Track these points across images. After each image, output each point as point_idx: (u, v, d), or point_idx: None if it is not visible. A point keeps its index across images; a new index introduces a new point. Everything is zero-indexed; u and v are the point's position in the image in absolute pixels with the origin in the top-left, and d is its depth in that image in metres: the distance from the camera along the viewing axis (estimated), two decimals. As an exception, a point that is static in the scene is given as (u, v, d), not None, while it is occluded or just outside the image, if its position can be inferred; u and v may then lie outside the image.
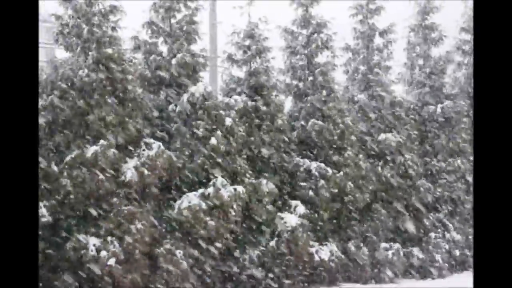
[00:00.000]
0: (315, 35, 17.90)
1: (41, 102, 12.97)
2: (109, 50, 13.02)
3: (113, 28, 13.49)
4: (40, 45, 16.16)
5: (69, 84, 12.87)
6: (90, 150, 12.45)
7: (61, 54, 13.75)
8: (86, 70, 12.89)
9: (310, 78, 17.68)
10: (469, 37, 22.67)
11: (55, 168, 12.24)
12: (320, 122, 17.10)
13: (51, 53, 14.12)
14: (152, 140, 13.49)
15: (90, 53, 13.02)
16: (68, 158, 12.42)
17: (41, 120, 12.55)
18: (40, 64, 13.97)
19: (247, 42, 16.77)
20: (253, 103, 16.19)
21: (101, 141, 12.55)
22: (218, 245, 13.90)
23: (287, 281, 15.01)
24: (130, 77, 13.25)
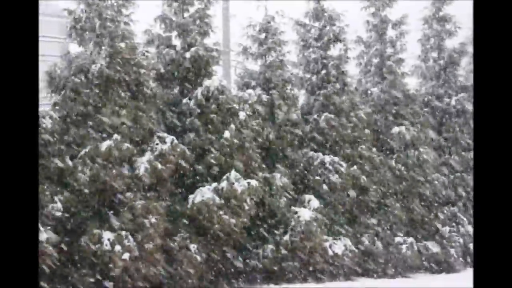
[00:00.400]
0: (327, 27, 17.78)
1: (55, 97, 12.96)
2: (122, 44, 12.98)
3: (126, 22, 13.43)
4: (53, 39, 16.15)
5: (83, 78, 12.84)
6: (104, 145, 12.43)
7: (75, 48, 13.70)
8: (99, 65, 12.85)
9: (323, 71, 17.55)
10: (483, 28, 22.38)
11: (69, 162, 12.23)
12: (333, 116, 16.99)
13: (65, 48, 14.06)
14: (165, 134, 13.45)
15: (103, 47, 12.98)
16: (82, 153, 12.41)
17: (56, 115, 12.54)
18: (54, 59, 13.97)
19: (263, 35, 16.67)
20: (268, 96, 16.10)
21: (115, 135, 12.53)
22: (232, 239, 13.86)
23: (301, 276, 14.95)
24: (143, 71, 13.20)
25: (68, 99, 12.80)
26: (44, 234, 11.32)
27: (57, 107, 12.82)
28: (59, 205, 11.77)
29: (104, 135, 12.71)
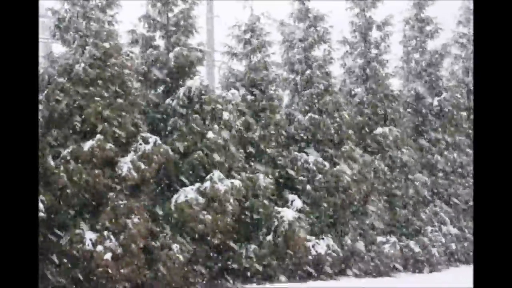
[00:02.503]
0: (312, 28, 17.83)
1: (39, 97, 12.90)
2: (106, 45, 12.93)
3: (110, 23, 13.39)
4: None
5: (66, 78, 12.77)
6: (87, 145, 12.39)
7: (58, 48, 13.64)
8: (83, 64, 12.79)
9: (307, 71, 17.61)
10: (466, 30, 22.64)
11: (51, 162, 12.17)
12: (317, 116, 17.07)
13: (47, 48, 13.98)
14: (149, 135, 13.43)
15: (87, 47, 12.91)
16: (64, 153, 12.36)
17: (39, 115, 12.47)
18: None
19: (248, 36, 16.69)
20: (252, 97, 16.14)
21: (98, 136, 12.48)
22: (215, 239, 13.88)
23: (284, 276, 15.01)
24: (127, 71, 13.16)
25: (51, 98, 12.73)
26: (26, 234, 11.24)
27: (40, 107, 12.75)
28: (40, 205, 11.70)
29: (87, 135, 12.65)
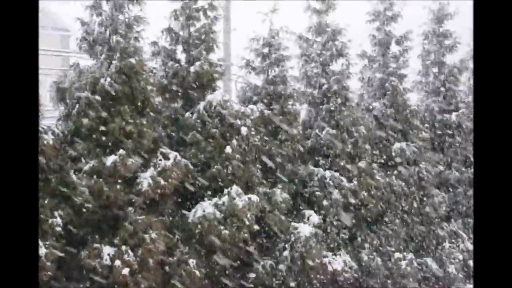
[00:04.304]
0: (330, 42, 17.78)
1: (62, 110, 12.90)
2: (133, 60, 12.94)
3: (136, 38, 13.42)
4: (56, 53, 16.07)
5: (91, 92, 12.79)
6: (109, 160, 12.39)
7: (82, 61, 13.63)
8: (109, 79, 12.81)
9: (325, 86, 17.55)
10: (484, 44, 22.48)
11: (73, 176, 12.15)
12: (334, 131, 16.99)
13: (66, 61, 14.00)
14: (168, 150, 13.40)
15: (113, 62, 12.92)
16: (86, 167, 12.35)
17: (58, 130, 12.48)
18: (56, 72, 13.89)
19: (266, 50, 16.67)
20: (269, 111, 16.09)
21: (121, 151, 12.48)
22: (232, 254, 13.81)
23: (301, 291, 14.91)
24: (150, 87, 13.17)
25: (77, 112, 12.74)
26: (43, 249, 11.24)
27: (60, 121, 12.76)
28: (59, 220, 11.69)
29: (109, 150, 12.65)
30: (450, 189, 19.87)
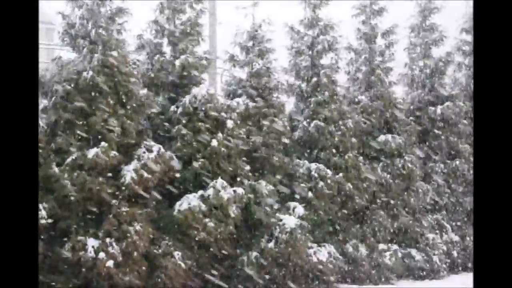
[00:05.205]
0: (321, 36, 17.87)
1: (44, 103, 12.92)
2: (115, 53, 12.96)
3: (119, 31, 13.42)
4: (40, 46, 16.04)
5: (73, 85, 12.81)
6: (91, 152, 12.44)
7: (65, 54, 13.63)
8: (91, 72, 12.83)
9: (314, 79, 17.65)
10: (469, 37, 22.66)
11: (56, 169, 12.20)
12: (322, 124, 17.10)
13: (51, 54, 14.00)
14: (152, 143, 13.47)
15: (95, 55, 12.94)
16: (69, 160, 12.40)
17: (44, 121, 12.52)
18: (45, 64, 13.89)
19: (250, 43, 16.73)
20: (254, 104, 16.17)
21: (102, 143, 12.53)
22: (217, 246, 13.92)
23: (285, 283, 15.04)
24: (133, 79, 13.20)
25: (58, 105, 12.76)
26: (28, 241, 11.29)
27: (44, 115, 12.79)
28: (43, 212, 11.75)
29: (92, 142, 12.70)
30: (435, 181, 20.04)
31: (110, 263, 12.20)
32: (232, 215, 13.88)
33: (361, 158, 17.72)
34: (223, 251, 14.15)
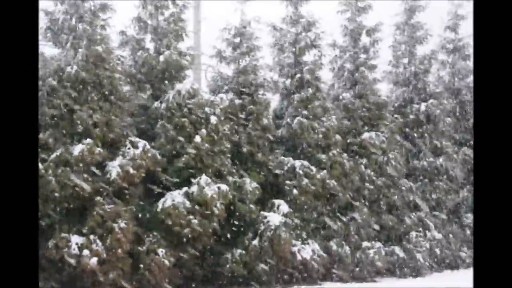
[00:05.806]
0: (304, 33, 17.84)
1: None
2: (99, 48, 12.83)
3: (103, 26, 13.30)
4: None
5: (57, 80, 12.65)
6: (77, 149, 12.30)
7: (48, 50, 13.48)
8: (75, 67, 12.68)
9: (298, 75, 17.62)
10: (453, 35, 22.81)
11: (40, 165, 12.05)
12: (305, 121, 17.08)
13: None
14: (137, 139, 13.36)
15: (79, 50, 12.80)
16: (53, 156, 12.25)
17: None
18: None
19: (238, 40, 16.64)
20: (240, 101, 16.11)
21: (88, 139, 12.39)
22: (201, 243, 13.86)
23: (269, 280, 15.03)
24: (117, 75, 13.08)
25: (42, 101, 12.60)
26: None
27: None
28: (26, 208, 11.57)
29: (76, 138, 12.55)
30: (418, 179, 20.13)
31: (94, 260, 12.11)
32: (217, 212, 13.82)
33: (345, 155, 17.73)
34: (208, 248, 14.07)
